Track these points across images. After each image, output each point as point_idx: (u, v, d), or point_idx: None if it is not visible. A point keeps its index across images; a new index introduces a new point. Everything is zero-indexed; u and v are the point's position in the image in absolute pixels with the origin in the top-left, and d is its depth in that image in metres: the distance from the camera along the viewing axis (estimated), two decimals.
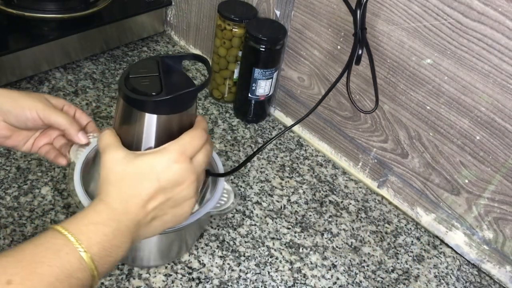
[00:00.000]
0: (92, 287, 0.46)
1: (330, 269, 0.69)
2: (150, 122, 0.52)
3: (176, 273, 0.64)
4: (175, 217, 0.53)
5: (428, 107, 0.70)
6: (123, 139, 0.54)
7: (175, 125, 0.53)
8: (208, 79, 0.54)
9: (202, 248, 0.68)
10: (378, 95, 0.69)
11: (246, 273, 0.66)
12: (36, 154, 0.75)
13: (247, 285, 0.65)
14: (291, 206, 0.77)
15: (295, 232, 0.73)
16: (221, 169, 0.64)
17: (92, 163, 0.63)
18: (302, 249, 0.71)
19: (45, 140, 0.62)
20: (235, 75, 0.89)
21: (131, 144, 0.53)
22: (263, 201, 0.76)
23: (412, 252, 0.74)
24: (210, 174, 0.60)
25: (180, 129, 0.53)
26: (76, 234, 0.44)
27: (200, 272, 0.65)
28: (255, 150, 0.85)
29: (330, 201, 0.79)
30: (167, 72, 0.53)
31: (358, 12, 0.62)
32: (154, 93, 0.50)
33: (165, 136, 0.52)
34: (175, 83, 0.53)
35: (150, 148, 0.53)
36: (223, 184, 0.62)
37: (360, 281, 0.69)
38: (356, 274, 0.69)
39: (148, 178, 0.49)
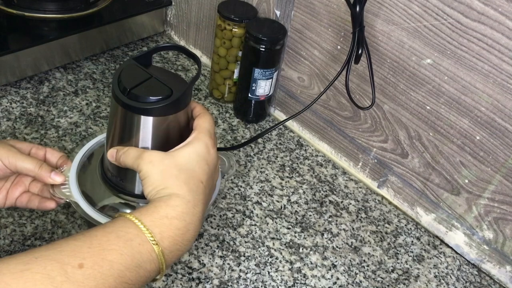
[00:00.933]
0: (157, 279, 0.47)
1: (330, 269, 0.69)
2: (151, 124, 0.53)
3: (176, 273, 0.64)
4: (210, 198, 0.56)
5: (428, 107, 0.70)
6: (122, 143, 0.54)
7: (176, 121, 0.54)
8: (199, 68, 0.55)
9: (202, 248, 0.68)
10: (375, 92, 0.70)
11: (246, 273, 0.66)
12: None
13: (247, 285, 0.65)
14: (291, 206, 0.77)
15: (295, 232, 0.73)
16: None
17: (88, 162, 0.64)
18: (302, 249, 0.71)
19: (20, 189, 0.59)
20: (235, 75, 0.89)
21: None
22: (263, 201, 0.76)
23: (412, 252, 0.74)
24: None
25: (180, 123, 0.54)
26: (150, 227, 0.45)
27: (200, 272, 0.65)
28: (255, 150, 0.85)
29: (330, 201, 0.79)
30: (154, 72, 0.54)
31: (357, 8, 0.62)
32: (165, 96, 0.51)
33: (166, 134, 0.54)
34: (171, 80, 0.53)
35: (146, 147, 0.54)
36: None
37: (360, 281, 0.69)
38: (356, 274, 0.69)
39: (200, 165, 0.51)
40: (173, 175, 0.49)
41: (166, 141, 0.54)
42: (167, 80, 0.53)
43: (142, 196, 0.59)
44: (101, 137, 0.66)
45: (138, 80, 0.52)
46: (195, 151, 0.51)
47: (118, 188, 0.60)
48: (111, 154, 0.55)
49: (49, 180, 0.56)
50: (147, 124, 0.53)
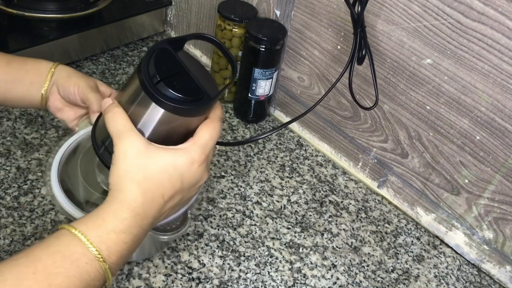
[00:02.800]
0: None
1: (330, 269, 0.69)
2: (162, 116, 0.49)
3: (176, 273, 0.64)
4: (176, 212, 0.53)
5: (428, 107, 0.70)
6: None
7: (193, 122, 0.50)
8: (233, 75, 0.52)
9: (202, 248, 0.68)
10: (378, 94, 0.70)
11: (246, 273, 0.66)
12: (36, 154, 0.75)
13: (247, 285, 0.65)
14: (291, 206, 0.77)
15: (295, 232, 0.73)
16: None
17: (73, 153, 0.63)
18: (302, 249, 0.71)
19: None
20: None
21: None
22: (263, 201, 0.76)
23: (412, 252, 0.74)
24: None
25: (188, 126, 0.51)
26: (96, 243, 0.43)
27: (200, 272, 0.65)
28: (255, 150, 0.85)
29: (330, 201, 0.79)
30: (187, 63, 0.50)
31: (358, 9, 0.62)
32: (192, 97, 0.47)
33: (171, 130, 0.50)
34: (204, 80, 0.49)
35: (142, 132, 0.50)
36: None
37: (360, 281, 0.69)
38: (356, 274, 0.69)
39: (171, 179, 0.48)
40: (135, 180, 0.46)
41: (169, 136, 0.51)
42: (199, 77, 0.49)
43: None
44: (83, 132, 0.64)
45: (169, 70, 0.48)
46: (174, 163, 0.47)
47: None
48: (105, 101, 0.52)
49: (91, 116, 0.60)
50: (161, 116, 0.49)
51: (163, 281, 0.63)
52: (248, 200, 0.76)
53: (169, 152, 0.48)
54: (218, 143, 0.54)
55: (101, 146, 0.54)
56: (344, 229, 0.75)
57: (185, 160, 0.48)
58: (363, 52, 0.65)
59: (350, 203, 0.79)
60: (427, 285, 0.70)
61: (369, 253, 0.73)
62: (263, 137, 0.70)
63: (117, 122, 0.48)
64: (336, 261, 0.70)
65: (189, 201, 0.54)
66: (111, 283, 0.45)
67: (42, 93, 0.61)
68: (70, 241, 0.43)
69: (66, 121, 0.65)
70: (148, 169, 0.47)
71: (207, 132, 0.49)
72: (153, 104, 0.48)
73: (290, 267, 0.68)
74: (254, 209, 0.75)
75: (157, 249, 0.66)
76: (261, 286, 0.65)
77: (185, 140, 0.50)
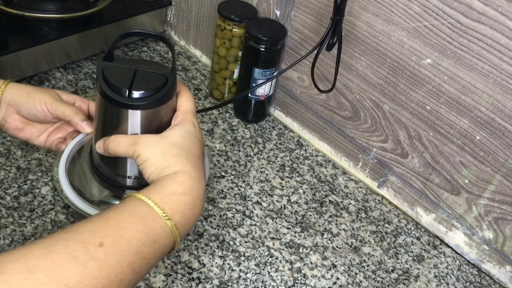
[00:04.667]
0: (172, 251, 0.50)
1: (330, 269, 0.69)
2: (150, 115, 0.53)
3: (176, 273, 0.64)
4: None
5: (428, 107, 0.70)
6: (108, 133, 0.55)
7: (171, 105, 0.55)
8: (171, 49, 0.56)
9: (202, 248, 0.68)
10: (337, 76, 0.72)
11: (246, 273, 0.66)
12: (36, 154, 0.75)
13: (247, 285, 0.65)
14: (291, 206, 0.77)
15: (295, 232, 0.73)
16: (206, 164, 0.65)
17: (78, 156, 0.64)
18: (302, 249, 0.71)
19: (59, 134, 0.64)
20: (235, 75, 0.89)
21: None
22: (263, 201, 0.76)
23: (412, 252, 0.74)
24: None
25: (170, 109, 0.55)
26: (160, 204, 0.47)
27: (200, 272, 0.65)
28: (255, 150, 0.85)
29: (330, 201, 0.79)
30: (132, 64, 0.54)
31: None
32: (161, 84, 0.52)
33: (158, 120, 0.55)
34: (155, 67, 0.54)
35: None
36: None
37: (360, 281, 0.69)
38: (356, 274, 0.69)
39: (194, 142, 0.53)
40: (174, 154, 0.51)
41: (161, 126, 0.55)
42: (150, 68, 0.54)
43: (134, 188, 0.59)
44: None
45: (128, 78, 0.52)
46: (186, 130, 0.53)
47: (109, 181, 0.60)
48: (99, 146, 0.56)
49: (79, 127, 0.61)
50: (148, 116, 0.53)
51: (163, 281, 0.63)
52: (248, 200, 0.76)
53: (176, 128, 0.53)
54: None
55: (100, 170, 0.59)
56: (344, 229, 0.75)
57: (190, 125, 0.54)
58: (334, 40, 0.67)
59: (350, 203, 0.79)
60: (427, 285, 0.70)
61: (369, 253, 0.73)
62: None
63: (121, 141, 0.53)
64: (336, 261, 0.70)
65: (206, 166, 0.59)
66: (179, 243, 0.49)
67: None
68: (136, 203, 0.47)
69: (31, 139, 0.64)
70: (176, 143, 0.52)
71: (187, 100, 0.56)
72: (135, 111, 0.52)
73: (290, 267, 0.68)
74: (254, 209, 0.75)
75: None
76: (261, 286, 0.65)
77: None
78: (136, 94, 0.51)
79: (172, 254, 0.51)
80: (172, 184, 0.49)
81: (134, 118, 0.53)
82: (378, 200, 0.81)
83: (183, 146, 0.52)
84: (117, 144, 0.54)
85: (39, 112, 0.60)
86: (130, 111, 0.52)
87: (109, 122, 0.55)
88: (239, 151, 0.84)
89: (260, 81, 0.83)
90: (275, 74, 0.83)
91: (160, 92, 0.52)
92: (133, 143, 0.52)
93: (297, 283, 0.67)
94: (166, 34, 1.09)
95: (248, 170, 0.81)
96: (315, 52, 0.71)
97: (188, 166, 0.51)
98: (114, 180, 0.60)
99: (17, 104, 0.60)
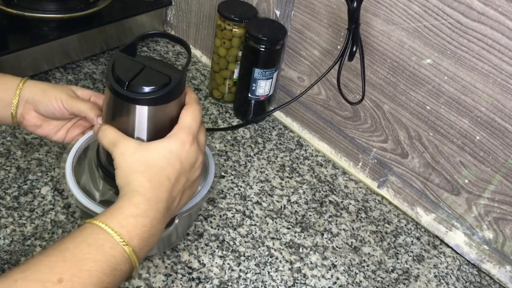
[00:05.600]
0: (132, 277, 0.48)
1: (330, 269, 0.69)
2: (151, 113, 0.53)
3: (176, 273, 0.64)
4: (188, 198, 0.55)
5: (428, 107, 0.70)
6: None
7: (173, 108, 0.54)
8: (189, 54, 0.55)
9: (202, 248, 0.68)
10: (366, 90, 0.70)
11: (246, 273, 0.66)
12: (36, 154, 0.75)
13: (247, 285, 0.65)
14: (291, 206, 0.77)
15: (295, 232, 0.73)
16: (212, 165, 0.65)
17: (83, 155, 0.64)
18: (302, 249, 0.71)
19: (78, 130, 0.65)
20: (235, 75, 0.89)
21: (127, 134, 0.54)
22: (263, 201, 0.76)
23: (412, 252, 0.74)
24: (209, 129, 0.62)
25: (176, 111, 0.55)
26: (117, 229, 0.46)
27: (200, 272, 0.65)
28: (255, 150, 0.85)
29: (330, 201, 0.79)
30: (145, 62, 0.54)
31: (355, 4, 0.62)
32: (164, 83, 0.51)
33: (163, 122, 0.54)
34: (165, 68, 0.54)
35: (140, 138, 0.54)
36: (214, 169, 0.64)
37: (360, 281, 0.69)
38: (356, 274, 0.69)
39: (170, 162, 0.51)
40: (139, 171, 0.50)
41: (162, 130, 0.54)
42: (161, 68, 0.53)
43: None
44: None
45: (133, 71, 0.52)
46: (168, 147, 0.51)
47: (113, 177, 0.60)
48: (95, 129, 0.56)
49: (94, 122, 0.60)
50: (144, 113, 0.52)
51: (163, 281, 0.63)
52: (248, 200, 0.76)
53: (160, 142, 0.52)
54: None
55: (105, 166, 0.59)
56: (344, 229, 0.75)
57: (177, 143, 0.52)
58: (354, 49, 0.66)
59: (350, 203, 0.79)
60: (427, 285, 0.70)
61: (369, 253, 0.73)
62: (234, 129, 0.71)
63: (108, 135, 0.53)
64: (336, 261, 0.70)
65: (197, 185, 0.57)
66: (137, 268, 0.48)
67: (12, 112, 0.60)
68: (93, 231, 0.46)
69: (49, 136, 0.64)
70: (147, 160, 0.50)
71: (188, 115, 0.53)
72: (134, 106, 0.52)
73: (290, 267, 0.68)
74: (254, 209, 0.75)
75: (159, 248, 0.66)
76: (261, 286, 0.65)
77: None
78: (134, 87, 0.51)
79: (129, 280, 0.50)
80: (128, 205, 0.48)
81: (133, 112, 0.52)
82: (378, 200, 0.81)
83: (154, 164, 0.50)
84: (103, 135, 0.53)
85: (56, 109, 0.60)
86: (127, 104, 0.52)
87: (111, 113, 0.55)
88: (239, 151, 0.84)
89: (260, 81, 0.83)
90: (275, 74, 0.83)
91: (157, 92, 0.51)
92: (114, 143, 0.52)
93: (297, 283, 0.67)
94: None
95: (248, 170, 0.81)
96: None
97: (145, 186, 0.49)
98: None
99: (35, 102, 0.60)
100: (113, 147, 0.52)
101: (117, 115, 0.54)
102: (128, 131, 0.54)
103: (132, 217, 0.47)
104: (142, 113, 0.52)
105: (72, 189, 0.57)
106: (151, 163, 0.50)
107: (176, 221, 0.59)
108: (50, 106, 0.60)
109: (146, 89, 0.51)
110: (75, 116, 0.62)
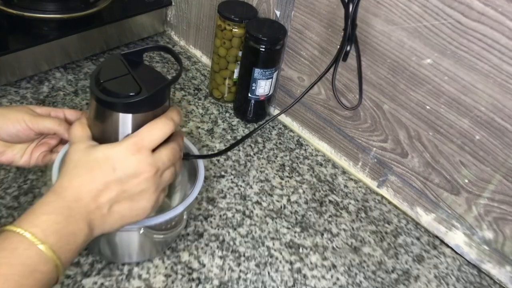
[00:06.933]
0: (58, 278, 0.46)
1: (330, 269, 0.69)
2: (127, 121, 0.52)
3: (176, 273, 0.64)
4: (133, 212, 0.52)
5: (428, 107, 0.70)
6: (100, 139, 0.54)
7: (145, 121, 0.53)
8: (179, 70, 0.54)
9: (202, 248, 0.68)
10: (362, 90, 0.70)
11: (246, 273, 0.66)
12: None
13: (247, 285, 0.65)
14: (291, 206, 0.77)
15: (295, 232, 0.73)
16: (201, 172, 0.64)
17: None
18: (302, 249, 0.71)
19: (43, 149, 0.62)
20: (235, 75, 0.89)
21: (101, 141, 0.53)
22: (263, 201, 0.76)
23: (412, 252, 0.74)
24: (186, 157, 0.61)
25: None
26: (29, 228, 0.44)
27: (200, 272, 0.65)
28: (255, 149, 0.85)
29: (330, 201, 0.79)
30: (136, 69, 0.53)
31: (351, 6, 0.62)
32: (133, 93, 0.50)
33: (129, 133, 0.53)
34: (149, 80, 0.53)
35: None
36: (198, 190, 0.61)
37: (360, 281, 0.69)
38: (356, 274, 0.69)
39: (102, 167, 0.49)
40: (65, 172, 0.49)
41: None
42: (146, 79, 0.52)
43: None
44: None
45: (114, 74, 0.52)
46: (104, 151, 0.50)
47: None
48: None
49: (66, 136, 0.59)
50: (113, 119, 0.52)
51: (163, 281, 0.63)
52: (248, 200, 0.76)
53: (104, 146, 0.51)
54: (187, 156, 0.60)
55: None
56: (344, 229, 0.75)
57: (115, 150, 0.50)
58: (348, 48, 0.65)
59: (350, 203, 0.79)
60: (427, 285, 0.70)
61: (369, 253, 0.73)
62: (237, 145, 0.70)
63: (72, 132, 0.53)
64: (336, 261, 0.70)
65: (145, 200, 0.52)
66: (61, 268, 0.45)
67: None
68: (6, 235, 0.44)
69: (14, 162, 0.61)
70: (79, 161, 0.50)
71: (146, 127, 0.51)
72: (103, 108, 0.51)
73: (290, 267, 0.68)
74: (254, 209, 0.75)
75: (158, 250, 0.66)
76: (261, 286, 0.65)
77: None
78: (105, 89, 0.50)
79: (59, 282, 0.47)
80: (40, 205, 0.47)
81: (103, 114, 0.52)
82: (378, 200, 0.81)
83: (82, 165, 0.49)
84: (71, 130, 0.53)
85: (20, 131, 0.58)
86: (99, 105, 0.52)
87: (91, 111, 0.54)
88: (239, 150, 0.84)
89: (260, 81, 0.83)
90: (274, 73, 0.83)
91: (123, 99, 0.50)
92: (75, 138, 0.52)
93: (297, 283, 0.67)
94: (166, 35, 1.09)
95: (248, 170, 0.81)
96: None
97: (63, 186, 0.48)
98: None
99: None
100: (70, 145, 0.52)
101: (92, 113, 0.54)
102: (99, 134, 0.54)
103: (44, 214, 0.46)
104: (110, 117, 0.52)
105: None
106: (80, 164, 0.49)
107: (183, 223, 0.59)
108: (13, 129, 0.58)
109: (113, 93, 0.50)
110: (41, 135, 0.61)
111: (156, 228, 0.57)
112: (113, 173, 0.49)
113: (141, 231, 0.56)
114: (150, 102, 0.52)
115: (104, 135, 0.53)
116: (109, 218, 0.50)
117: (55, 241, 0.45)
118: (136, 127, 0.52)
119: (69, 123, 0.61)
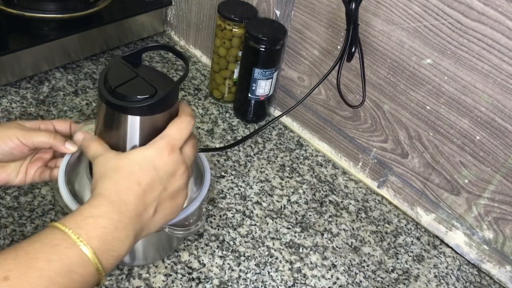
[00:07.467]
0: (99, 283, 0.46)
1: (330, 269, 0.69)
2: (146, 123, 0.52)
3: (176, 273, 0.64)
4: (172, 209, 0.53)
5: (428, 107, 0.70)
6: (115, 146, 0.54)
7: (162, 121, 0.53)
8: (186, 66, 0.54)
9: (202, 248, 0.68)
10: (367, 91, 0.70)
11: (246, 273, 0.66)
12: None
13: (247, 285, 0.65)
14: (291, 206, 0.77)
15: (295, 232, 0.73)
16: (206, 166, 0.64)
17: (77, 161, 0.63)
18: (302, 249, 0.71)
19: (38, 164, 0.61)
20: (235, 75, 0.89)
21: (118, 147, 0.53)
22: (263, 201, 0.76)
23: (412, 252, 0.74)
24: (202, 150, 0.61)
25: (165, 124, 0.54)
26: (74, 229, 0.44)
27: (200, 272, 0.65)
28: (255, 150, 0.85)
29: (330, 201, 0.79)
30: (141, 71, 0.53)
31: (352, 6, 0.62)
32: (148, 95, 0.50)
33: (152, 134, 0.53)
34: (156, 79, 0.53)
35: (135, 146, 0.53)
36: (209, 180, 0.62)
37: (360, 281, 0.69)
38: (356, 274, 0.69)
39: (143, 168, 0.50)
40: (107, 176, 0.49)
41: (145, 142, 0.53)
42: (154, 79, 0.52)
43: None
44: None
45: (124, 78, 0.51)
46: (142, 154, 0.50)
47: None
48: (78, 137, 0.55)
49: (63, 150, 0.58)
50: (131, 123, 0.52)
51: (163, 281, 0.63)
52: (248, 200, 0.76)
53: (137, 149, 0.51)
54: (200, 149, 0.59)
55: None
56: (344, 229, 0.75)
57: (153, 151, 0.50)
58: (353, 49, 0.65)
59: (350, 203, 0.79)
60: (427, 285, 0.70)
61: (369, 253, 0.73)
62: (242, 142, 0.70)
63: (92, 149, 0.52)
64: (336, 261, 0.70)
65: (182, 197, 0.54)
66: (103, 273, 0.45)
67: None
68: (50, 231, 0.44)
69: (10, 181, 0.59)
70: (118, 165, 0.50)
71: (172, 126, 0.52)
72: (118, 114, 0.51)
73: (290, 267, 0.68)
74: (254, 209, 0.75)
75: (172, 247, 0.66)
76: (261, 286, 0.65)
77: None
78: (118, 94, 0.50)
79: (101, 286, 0.48)
80: (88, 207, 0.47)
81: (117, 120, 0.52)
82: (378, 200, 0.81)
83: (124, 169, 0.49)
84: (88, 149, 0.53)
85: (14, 148, 0.56)
86: (111, 110, 0.51)
87: (102, 120, 0.54)
88: (239, 151, 0.84)
89: (260, 81, 0.83)
90: (274, 73, 0.83)
91: (139, 102, 0.50)
92: (95, 156, 0.51)
93: (297, 283, 0.67)
94: (166, 35, 1.09)
95: (248, 170, 0.81)
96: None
97: (109, 189, 0.48)
98: None
99: None
100: (93, 160, 0.51)
101: (104, 122, 0.53)
102: (116, 140, 0.53)
103: (91, 217, 0.46)
104: (127, 122, 0.51)
105: (64, 197, 0.57)
106: (121, 168, 0.49)
107: (203, 217, 0.59)
108: (6, 147, 0.56)
109: (129, 97, 0.50)
110: (34, 150, 0.59)
111: (179, 225, 0.57)
112: (155, 173, 0.50)
113: (167, 229, 0.56)
114: (168, 101, 0.52)
115: (119, 141, 0.53)
116: (154, 219, 0.51)
117: (99, 245, 0.45)
118: (154, 128, 0.52)
119: (60, 134, 0.60)
